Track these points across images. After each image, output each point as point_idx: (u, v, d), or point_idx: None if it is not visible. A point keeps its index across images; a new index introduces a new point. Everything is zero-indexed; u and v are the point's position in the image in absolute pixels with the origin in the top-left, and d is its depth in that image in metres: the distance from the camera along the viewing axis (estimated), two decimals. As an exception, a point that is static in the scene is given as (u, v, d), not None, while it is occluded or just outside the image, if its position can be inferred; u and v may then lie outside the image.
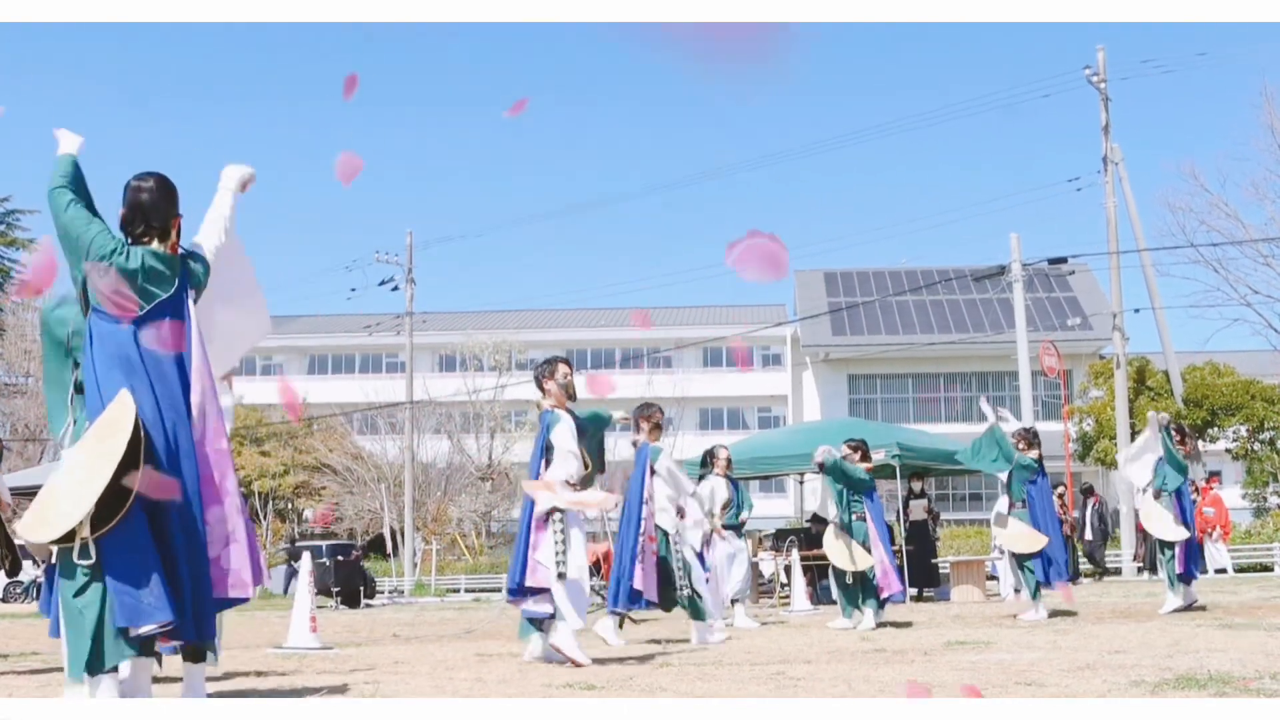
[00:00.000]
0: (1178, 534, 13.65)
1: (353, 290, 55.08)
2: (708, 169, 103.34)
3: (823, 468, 12.89)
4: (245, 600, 5.52)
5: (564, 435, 8.63)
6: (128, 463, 4.92)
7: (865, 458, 13.47)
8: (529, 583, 8.40)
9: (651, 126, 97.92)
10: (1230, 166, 78.63)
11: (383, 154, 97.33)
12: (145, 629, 4.95)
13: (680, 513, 11.23)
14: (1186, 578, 13.66)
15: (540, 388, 8.95)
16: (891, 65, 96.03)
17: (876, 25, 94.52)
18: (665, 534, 10.85)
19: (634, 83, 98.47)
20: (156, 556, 5.01)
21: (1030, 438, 13.85)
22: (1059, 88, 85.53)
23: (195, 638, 5.24)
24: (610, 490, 9.68)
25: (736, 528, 14.59)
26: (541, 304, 76.93)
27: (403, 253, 45.72)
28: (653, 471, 10.80)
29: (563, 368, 8.97)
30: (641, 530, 10.50)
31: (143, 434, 5.01)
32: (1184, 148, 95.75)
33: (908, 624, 12.81)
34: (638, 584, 10.40)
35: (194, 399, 5.29)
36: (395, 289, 45.86)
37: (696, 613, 10.99)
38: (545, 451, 8.68)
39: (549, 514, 8.43)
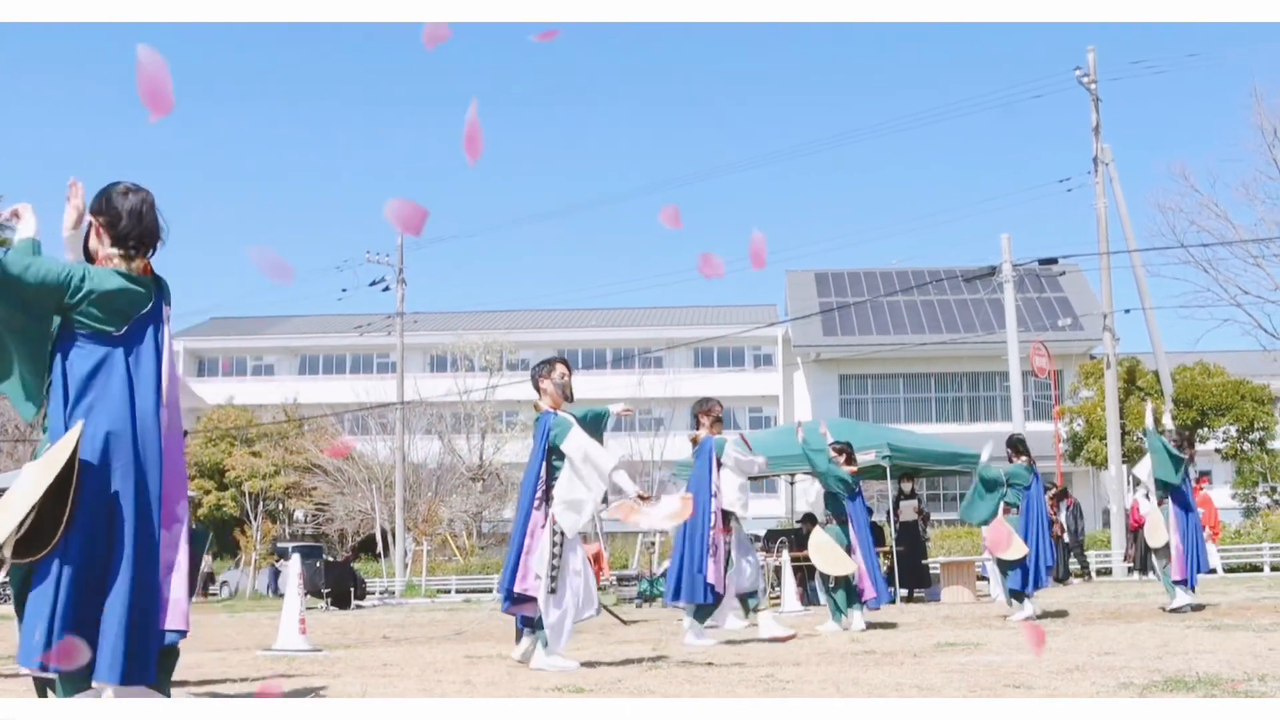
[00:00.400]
0: (1168, 539, 13.66)
1: (344, 290, 54.98)
2: (699, 170, 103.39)
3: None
4: (184, 634, 5.10)
5: (588, 445, 8.39)
6: (58, 495, 4.73)
7: (850, 461, 13.48)
8: (518, 588, 8.29)
9: (642, 127, 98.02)
10: (1220, 167, 78.52)
11: (373, 154, 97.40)
12: (25, 669, 4.75)
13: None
14: (1184, 584, 13.59)
15: (536, 387, 8.79)
16: (883, 66, 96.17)
17: (869, 26, 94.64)
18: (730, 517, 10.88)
19: (627, 83, 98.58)
20: (68, 597, 4.74)
21: (1018, 445, 13.90)
22: (1050, 89, 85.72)
23: (118, 680, 4.82)
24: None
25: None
26: (533, 304, 76.95)
27: (393, 253, 45.73)
28: (719, 465, 10.79)
29: (560, 368, 8.80)
30: (712, 524, 10.52)
31: (76, 472, 4.79)
32: (1174, 148, 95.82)
33: (892, 625, 12.81)
34: (711, 578, 10.44)
35: (163, 417, 5.13)
36: (386, 289, 45.89)
37: (707, 611, 10.95)
38: (547, 455, 8.53)
39: (554, 527, 8.33)
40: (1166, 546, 13.59)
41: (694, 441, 11.16)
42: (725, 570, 10.91)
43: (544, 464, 8.47)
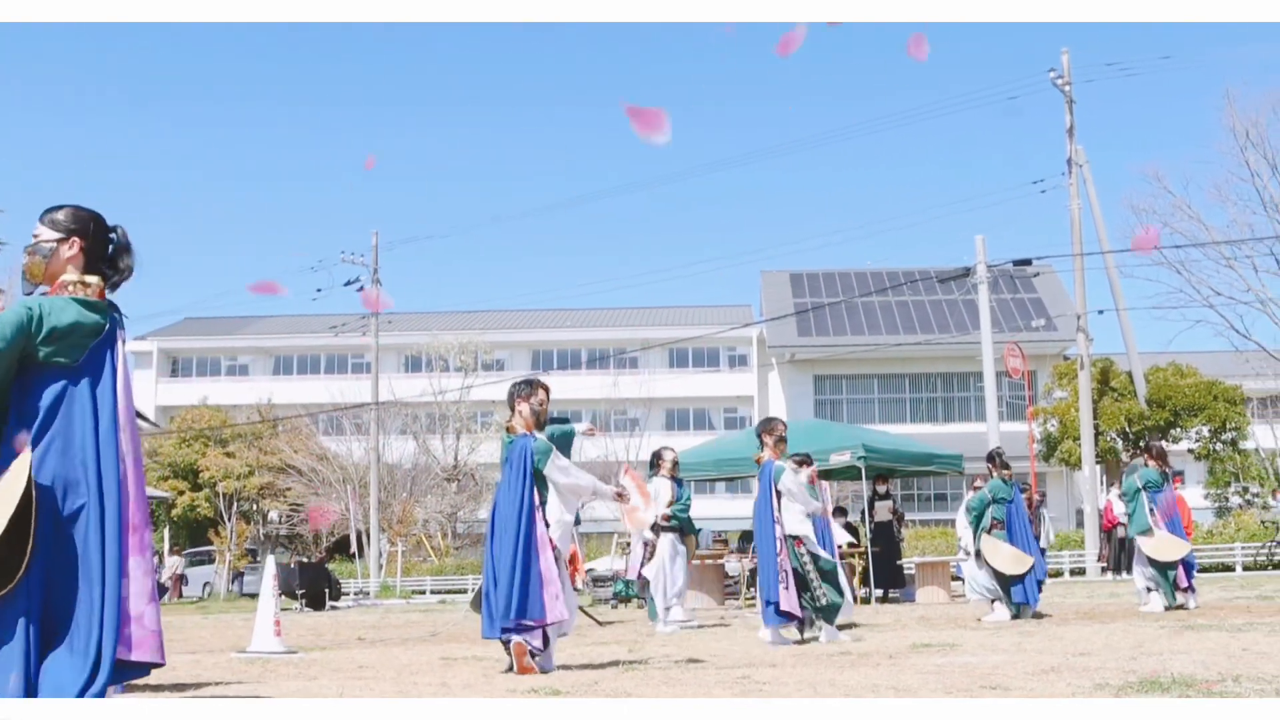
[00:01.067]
0: (1179, 552, 13.99)
1: (319, 291, 54.74)
2: (675, 170, 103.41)
3: None
4: (158, 665, 5.03)
5: (571, 469, 8.40)
6: (17, 528, 4.60)
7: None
8: (550, 619, 8.10)
9: (618, 127, 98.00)
10: (1193, 169, 79.19)
11: (348, 154, 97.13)
12: None
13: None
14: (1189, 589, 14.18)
15: (512, 406, 8.55)
16: (859, 68, 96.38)
17: (844, 28, 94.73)
18: (793, 539, 10.75)
19: (604, 83, 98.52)
20: (34, 636, 4.67)
21: (997, 458, 13.98)
22: (1024, 90, 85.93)
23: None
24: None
25: (679, 529, 14.43)
26: (508, 305, 76.91)
27: (368, 253, 45.61)
28: (779, 493, 10.68)
29: (541, 393, 8.55)
30: (779, 550, 10.47)
31: (35, 504, 4.67)
32: (1148, 150, 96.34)
33: (868, 625, 12.82)
34: (785, 605, 10.37)
35: (122, 443, 4.99)
36: (361, 289, 45.75)
37: (828, 613, 10.84)
38: (536, 482, 8.29)
39: (554, 549, 8.30)
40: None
41: (757, 461, 11.02)
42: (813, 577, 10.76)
43: (534, 489, 8.34)
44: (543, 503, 8.33)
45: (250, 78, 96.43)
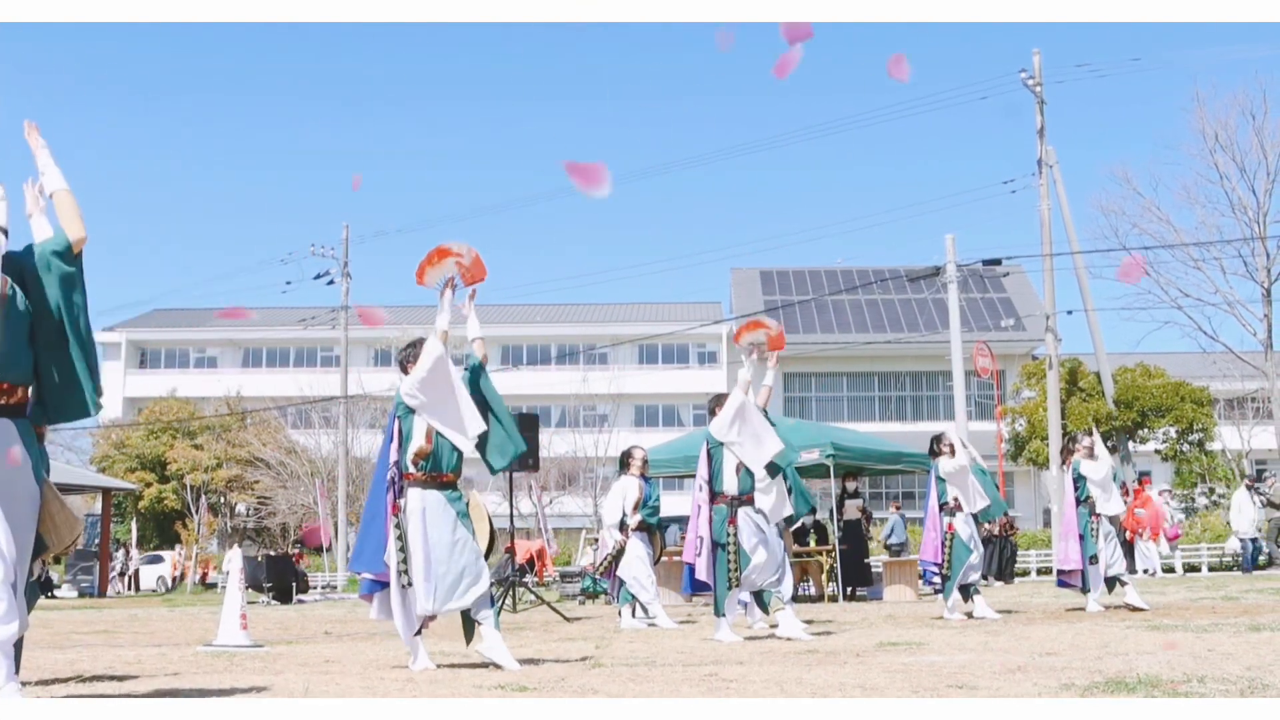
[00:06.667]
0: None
1: (288, 283, 54.65)
2: (645, 167, 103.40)
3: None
4: None
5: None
6: None
7: None
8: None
9: (588, 124, 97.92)
10: (1162, 170, 79.65)
11: (320, 147, 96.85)
12: None
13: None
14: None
15: (405, 372, 8.19)
16: (830, 66, 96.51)
17: (816, 26, 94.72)
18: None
19: (574, 79, 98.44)
20: None
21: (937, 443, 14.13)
22: (995, 90, 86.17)
23: None
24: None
25: (650, 527, 14.38)
26: (477, 299, 76.66)
27: (339, 246, 45.46)
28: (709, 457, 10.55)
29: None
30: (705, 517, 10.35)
31: None
32: (1117, 151, 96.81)
33: (835, 623, 12.84)
34: (700, 574, 10.24)
35: None
36: (331, 283, 45.63)
37: (761, 601, 10.72)
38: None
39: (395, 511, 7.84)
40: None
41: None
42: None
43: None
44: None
45: (220, 70, 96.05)
